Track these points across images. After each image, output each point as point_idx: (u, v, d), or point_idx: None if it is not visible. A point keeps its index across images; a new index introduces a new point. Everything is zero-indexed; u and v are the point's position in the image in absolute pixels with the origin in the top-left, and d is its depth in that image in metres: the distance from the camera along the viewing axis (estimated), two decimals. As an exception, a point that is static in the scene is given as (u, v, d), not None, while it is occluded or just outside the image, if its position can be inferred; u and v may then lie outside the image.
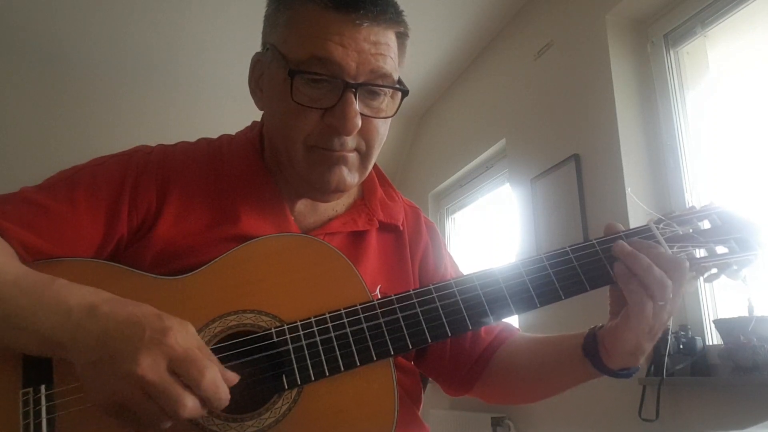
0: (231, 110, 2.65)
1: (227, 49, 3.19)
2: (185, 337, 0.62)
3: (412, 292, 0.76)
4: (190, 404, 0.60)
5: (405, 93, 0.83)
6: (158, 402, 0.59)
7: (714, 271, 0.79)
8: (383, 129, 0.84)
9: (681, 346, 1.86)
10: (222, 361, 0.69)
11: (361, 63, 0.77)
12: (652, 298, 0.72)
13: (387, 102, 0.83)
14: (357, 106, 0.77)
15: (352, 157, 0.82)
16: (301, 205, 0.90)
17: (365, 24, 0.77)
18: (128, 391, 0.59)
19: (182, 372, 0.60)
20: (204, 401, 0.62)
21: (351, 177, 0.83)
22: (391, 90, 0.82)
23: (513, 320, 0.92)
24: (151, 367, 0.59)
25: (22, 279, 0.67)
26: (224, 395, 0.63)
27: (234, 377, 0.65)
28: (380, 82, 0.79)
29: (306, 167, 0.82)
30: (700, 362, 1.86)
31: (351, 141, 0.80)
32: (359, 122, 0.78)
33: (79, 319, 0.63)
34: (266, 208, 0.86)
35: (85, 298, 0.65)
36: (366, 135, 0.82)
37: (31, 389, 0.66)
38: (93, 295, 0.66)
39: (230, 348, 0.71)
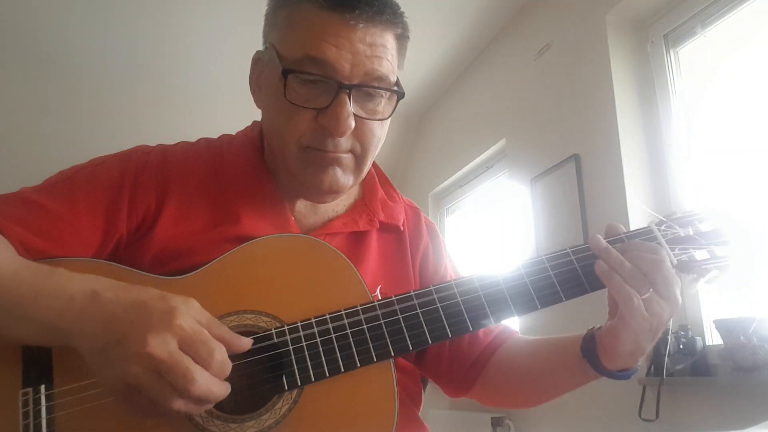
0: (231, 110, 2.64)
1: (228, 48, 3.19)
2: (193, 315, 0.63)
3: (412, 293, 0.76)
4: (200, 379, 0.60)
5: (401, 96, 0.82)
6: (169, 378, 0.59)
7: (715, 272, 0.79)
8: (379, 131, 0.84)
9: (681, 346, 1.86)
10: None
11: (355, 64, 0.76)
12: (638, 291, 0.72)
13: (384, 104, 0.82)
14: (350, 107, 0.77)
15: (347, 158, 0.82)
16: (302, 205, 0.90)
17: (361, 25, 0.77)
18: (138, 371, 0.59)
19: (193, 352, 0.61)
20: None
21: (345, 178, 0.83)
22: (387, 92, 0.81)
23: (514, 322, 0.92)
24: (160, 346, 0.59)
25: (22, 270, 0.68)
26: (228, 372, 0.64)
27: (246, 342, 0.67)
28: (375, 84, 0.79)
29: (299, 167, 0.82)
30: (700, 362, 1.86)
31: (345, 142, 0.80)
32: (352, 124, 0.78)
33: (83, 305, 0.63)
34: (266, 208, 0.86)
35: (87, 285, 0.65)
36: (361, 137, 0.81)
37: (30, 389, 0.66)
38: (94, 282, 0.66)
39: (230, 349, 0.71)
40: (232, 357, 0.70)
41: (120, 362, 0.60)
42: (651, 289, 0.72)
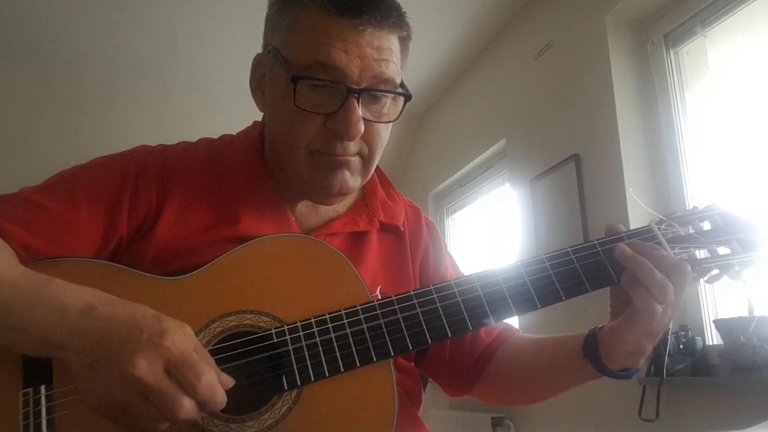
0: (231, 110, 2.64)
1: (228, 48, 3.19)
2: (183, 339, 0.62)
3: (412, 292, 0.76)
4: (188, 406, 0.60)
5: (408, 98, 0.82)
6: (155, 404, 0.59)
7: (715, 272, 0.79)
8: (385, 133, 0.84)
9: (681, 346, 1.86)
10: (222, 361, 0.69)
11: (363, 69, 0.76)
12: (661, 302, 0.72)
13: (389, 106, 0.82)
14: (359, 111, 0.77)
15: (355, 161, 0.82)
16: (302, 205, 0.90)
17: (368, 29, 0.76)
18: (125, 392, 0.59)
19: (178, 375, 0.60)
20: (200, 404, 0.61)
21: (353, 181, 0.83)
22: (394, 94, 0.81)
23: (513, 321, 0.92)
24: (147, 369, 0.58)
25: (20, 279, 0.67)
26: (220, 398, 0.62)
27: (229, 381, 0.64)
28: (383, 87, 0.79)
29: (308, 171, 0.82)
30: (700, 362, 1.86)
31: (353, 145, 0.80)
32: (362, 128, 0.78)
33: (76, 319, 0.63)
34: (267, 208, 0.86)
35: (82, 298, 0.65)
36: (368, 139, 0.81)
37: (30, 389, 0.66)
38: (90, 296, 0.65)
39: (230, 348, 0.71)
40: (234, 357, 0.70)
41: (108, 382, 0.59)
42: (674, 297, 0.72)
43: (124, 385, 0.59)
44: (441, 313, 0.75)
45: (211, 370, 0.62)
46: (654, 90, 2.25)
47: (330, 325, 0.73)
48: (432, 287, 0.77)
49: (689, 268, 0.74)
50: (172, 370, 0.60)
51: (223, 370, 0.67)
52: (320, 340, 0.72)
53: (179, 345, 0.61)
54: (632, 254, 0.74)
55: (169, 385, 0.59)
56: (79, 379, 0.62)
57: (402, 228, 0.96)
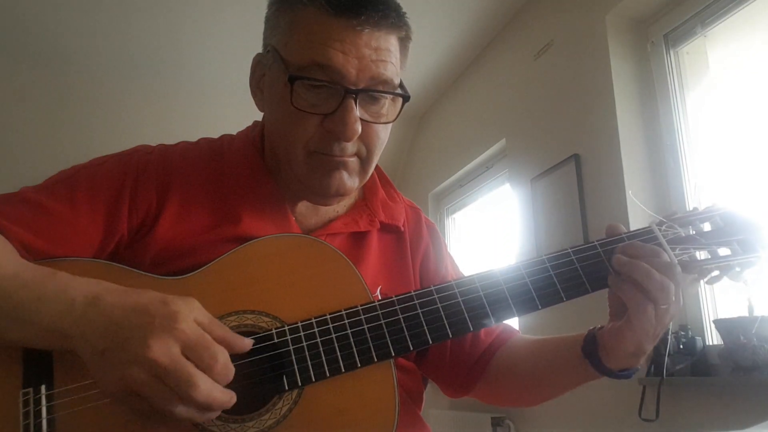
0: (232, 110, 2.65)
1: (229, 48, 3.19)
2: (195, 316, 0.63)
3: (413, 293, 0.76)
4: (203, 385, 0.60)
5: (406, 99, 0.82)
6: (170, 384, 0.59)
7: (716, 273, 0.79)
8: (384, 134, 0.84)
9: (681, 346, 1.86)
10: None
11: (361, 69, 0.76)
12: (654, 303, 0.72)
13: (387, 107, 0.82)
14: (357, 112, 0.77)
15: (353, 161, 0.82)
16: (303, 206, 0.90)
17: (366, 30, 0.76)
18: (139, 375, 0.59)
19: (195, 356, 0.61)
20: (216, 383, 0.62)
21: (351, 181, 0.83)
22: (392, 95, 0.81)
23: (513, 321, 0.92)
24: (162, 351, 0.59)
25: (23, 272, 0.68)
26: (231, 376, 0.63)
27: (246, 344, 0.66)
28: (381, 88, 0.79)
29: (306, 172, 0.82)
30: (700, 362, 1.86)
31: (351, 146, 0.80)
32: (359, 128, 0.78)
33: (83, 309, 0.63)
34: (267, 208, 0.86)
35: (87, 288, 0.66)
36: (366, 140, 0.81)
37: (31, 389, 0.66)
38: (95, 286, 0.66)
39: (231, 349, 0.71)
40: (233, 357, 0.70)
41: (121, 367, 0.60)
42: (673, 299, 0.72)
43: (138, 367, 0.59)
44: (442, 313, 0.75)
45: (225, 351, 0.63)
46: (654, 90, 2.24)
47: (331, 326, 0.73)
48: (433, 287, 0.77)
49: (679, 268, 0.74)
50: (188, 352, 0.60)
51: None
52: (321, 341, 0.72)
53: (193, 327, 0.62)
54: (628, 260, 0.75)
55: (186, 365, 0.59)
56: (91, 368, 0.62)
57: (402, 228, 0.96)
